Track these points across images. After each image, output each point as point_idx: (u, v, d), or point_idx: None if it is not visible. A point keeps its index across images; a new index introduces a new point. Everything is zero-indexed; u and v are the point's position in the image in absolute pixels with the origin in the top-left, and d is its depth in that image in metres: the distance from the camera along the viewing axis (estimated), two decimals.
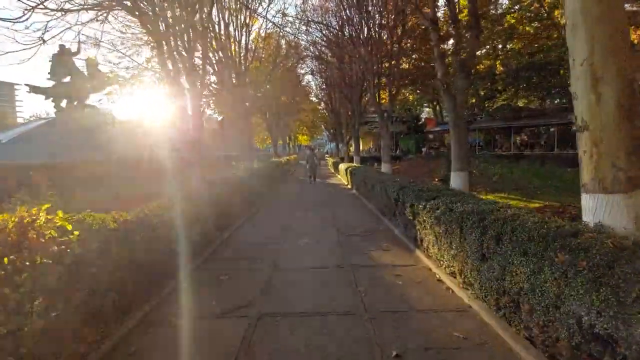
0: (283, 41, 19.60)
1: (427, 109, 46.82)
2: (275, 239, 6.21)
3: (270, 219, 8.11)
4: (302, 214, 8.65)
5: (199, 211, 5.52)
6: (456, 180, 6.04)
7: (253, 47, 14.95)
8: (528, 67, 22.77)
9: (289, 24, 15.97)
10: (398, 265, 4.62)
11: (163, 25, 6.49)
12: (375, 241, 5.84)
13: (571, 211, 7.43)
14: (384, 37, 13.13)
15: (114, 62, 11.51)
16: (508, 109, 26.50)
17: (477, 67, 27.92)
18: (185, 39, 6.54)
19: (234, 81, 14.15)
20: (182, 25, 6.42)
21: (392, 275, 4.24)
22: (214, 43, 13.35)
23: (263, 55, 18.02)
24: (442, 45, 6.17)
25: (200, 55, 7.21)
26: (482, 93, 27.61)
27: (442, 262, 4.18)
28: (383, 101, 15.28)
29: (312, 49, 19.01)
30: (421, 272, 4.33)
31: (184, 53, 6.63)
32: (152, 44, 7.33)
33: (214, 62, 13.72)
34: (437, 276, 4.13)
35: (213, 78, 14.94)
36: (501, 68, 24.63)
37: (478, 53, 27.48)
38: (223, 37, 13.71)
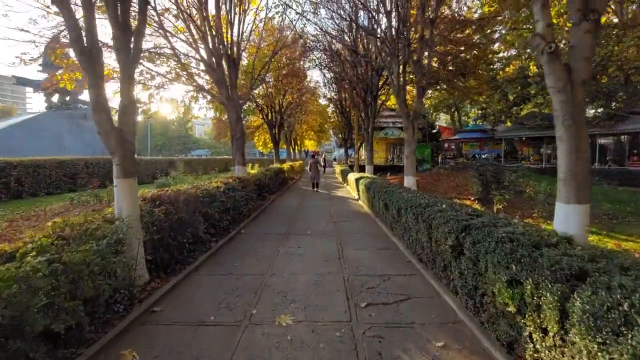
0: (289, 33, 17.21)
1: (444, 115, 43.99)
2: (238, 309, 3.54)
3: (241, 262, 5.35)
4: (294, 249, 5.93)
5: (105, 255, 2.90)
6: (569, 219, 3.27)
7: (249, 31, 12.42)
8: None
9: (294, 3, 13.36)
10: None
11: None
12: (419, 327, 3.14)
13: None
14: (413, 18, 10.52)
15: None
16: (540, 116, 23.53)
17: (505, 69, 24.99)
18: None
19: (226, 70, 11.71)
20: None
21: None
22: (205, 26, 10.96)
23: (265, 45, 15.53)
24: None
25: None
26: (512, 98, 24.58)
27: None
28: (408, 100, 12.61)
29: (320, 38, 16.42)
30: None
31: None
32: None
33: (201, 47, 11.32)
34: None
35: (202, 66, 12.49)
36: (535, 69, 21.70)
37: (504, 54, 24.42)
38: (215, 19, 11.32)
